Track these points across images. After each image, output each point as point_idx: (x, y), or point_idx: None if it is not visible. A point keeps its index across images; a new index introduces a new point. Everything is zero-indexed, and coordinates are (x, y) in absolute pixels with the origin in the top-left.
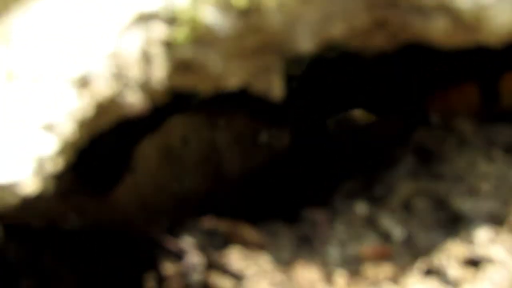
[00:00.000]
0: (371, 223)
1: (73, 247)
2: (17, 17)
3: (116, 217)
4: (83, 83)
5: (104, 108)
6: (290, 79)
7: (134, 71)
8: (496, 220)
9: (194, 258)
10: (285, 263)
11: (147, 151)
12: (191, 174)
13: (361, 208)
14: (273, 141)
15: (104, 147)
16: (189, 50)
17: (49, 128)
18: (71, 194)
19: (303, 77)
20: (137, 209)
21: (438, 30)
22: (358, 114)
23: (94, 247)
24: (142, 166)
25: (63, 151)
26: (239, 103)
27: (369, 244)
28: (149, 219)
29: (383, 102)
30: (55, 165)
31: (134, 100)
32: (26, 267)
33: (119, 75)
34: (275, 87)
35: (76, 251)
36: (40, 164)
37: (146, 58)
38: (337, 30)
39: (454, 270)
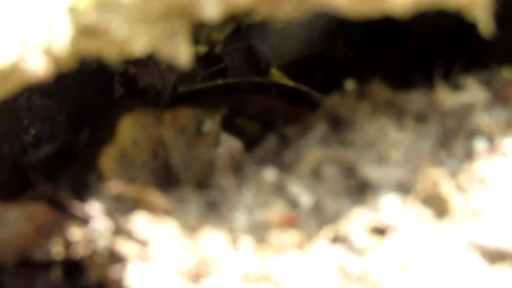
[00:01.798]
0: (279, 189)
1: None
2: None
3: None
4: None
5: (6, 72)
6: (213, 44)
7: (37, 37)
8: (403, 189)
9: (100, 223)
10: (191, 229)
11: (107, 162)
12: (141, 172)
13: (270, 174)
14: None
15: None
16: (92, 14)
17: None
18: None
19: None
20: None
21: None
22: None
23: None
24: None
25: None
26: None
27: (276, 211)
28: None
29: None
30: None
31: (37, 65)
32: None
33: (21, 41)
34: (181, 53)
35: None
36: None
37: (50, 23)
38: None
39: (360, 238)
